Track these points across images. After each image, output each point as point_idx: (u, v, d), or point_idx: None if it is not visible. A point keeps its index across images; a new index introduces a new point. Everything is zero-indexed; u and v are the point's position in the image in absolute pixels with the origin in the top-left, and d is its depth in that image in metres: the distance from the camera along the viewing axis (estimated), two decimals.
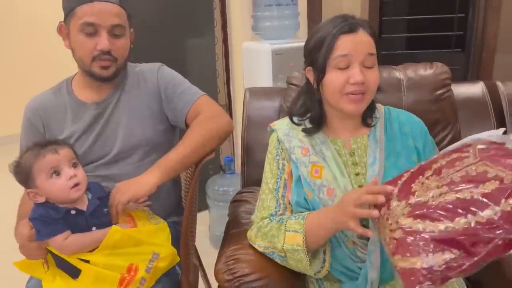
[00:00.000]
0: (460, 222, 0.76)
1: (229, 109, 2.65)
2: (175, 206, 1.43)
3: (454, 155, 0.88)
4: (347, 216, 0.91)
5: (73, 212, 1.03)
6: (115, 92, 1.29)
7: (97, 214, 1.06)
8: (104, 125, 1.27)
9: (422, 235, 0.78)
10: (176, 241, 1.21)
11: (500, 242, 0.74)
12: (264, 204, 1.11)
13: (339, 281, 1.07)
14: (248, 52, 2.22)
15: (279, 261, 1.05)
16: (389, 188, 0.88)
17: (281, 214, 1.08)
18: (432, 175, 0.86)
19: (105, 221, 1.07)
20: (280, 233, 1.03)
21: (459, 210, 0.77)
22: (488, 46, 2.44)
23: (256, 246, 1.09)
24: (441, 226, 0.77)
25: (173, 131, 1.38)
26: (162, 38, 2.32)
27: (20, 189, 1.29)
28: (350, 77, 0.99)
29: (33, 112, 1.29)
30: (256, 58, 2.13)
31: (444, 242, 0.76)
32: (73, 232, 1.02)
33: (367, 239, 1.00)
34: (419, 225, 0.79)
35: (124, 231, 1.03)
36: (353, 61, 0.99)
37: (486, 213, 0.74)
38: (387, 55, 2.42)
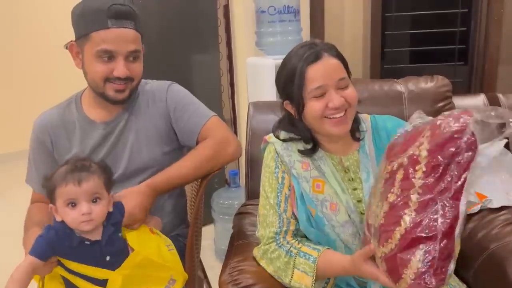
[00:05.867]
0: (406, 220, 0.78)
1: (234, 123, 2.68)
2: (180, 221, 1.43)
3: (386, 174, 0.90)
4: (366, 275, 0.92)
5: (87, 243, 1.00)
6: (124, 113, 1.27)
7: (112, 241, 1.02)
8: (113, 145, 1.26)
9: (393, 253, 0.79)
10: (179, 253, 1.21)
11: (446, 209, 0.75)
12: (267, 220, 1.09)
13: None
14: (252, 67, 2.25)
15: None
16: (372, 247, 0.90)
17: (285, 231, 1.07)
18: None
19: (120, 247, 1.04)
20: (288, 268, 1.03)
21: (397, 212, 0.79)
22: (491, 58, 2.46)
23: (262, 265, 1.09)
24: (397, 235, 0.78)
25: (181, 151, 1.34)
26: (168, 55, 2.37)
27: (26, 203, 1.31)
28: (329, 102, 1.01)
29: (41, 128, 1.28)
30: (260, 73, 2.16)
31: (409, 246, 0.77)
32: (83, 260, 0.99)
33: None
34: (385, 248, 0.81)
35: (144, 255, 1.02)
36: (328, 89, 1.01)
37: (415, 198, 0.77)
38: (390, 69, 2.45)
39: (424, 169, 0.76)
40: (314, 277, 0.99)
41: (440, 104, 1.44)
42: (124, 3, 1.15)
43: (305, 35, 2.27)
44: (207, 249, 2.40)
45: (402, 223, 0.78)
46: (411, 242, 0.77)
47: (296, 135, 1.11)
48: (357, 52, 2.53)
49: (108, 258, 1.00)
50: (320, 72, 1.01)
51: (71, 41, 1.21)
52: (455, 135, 0.74)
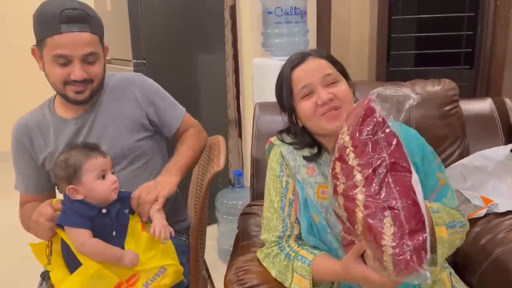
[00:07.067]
0: (359, 198, 0.80)
1: (238, 123, 2.69)
2: (172, 214, 1.40)
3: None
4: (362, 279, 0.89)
5: (104, 211, 1.05)
6: (92, 107, 1.30)
7: (120, 216, 1.08)
8: (85, 139, 1.28)
9: (365, 232, 0.81)
10: (181, 252, 1.22)
11: (394, 178, 0.79)
12: (271, 223, 1.09)
13: None
14: (258, 68, 2.26)
15: None
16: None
17: (289, 235, 1.07)
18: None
19: (124, 226, 1.09)
20: (287, 272, 1.03)
21: (351, 196, 0.82)
22: (497, 62, 2.45)
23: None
24: (359, 215, 0.80)
25: (160, 137, 1.40)
26: (174, 55, 2.37)
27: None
28: (317, 99, 1.01)
29: (18, 129, 1.31)
30: (266, 74, 2.16)
31: (374, 215, 0.79)
32: (94, 233, 1.03)
33: None
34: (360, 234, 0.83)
35: (100, 267, 1.04)
36: (314, 87, 1.02)
37: (359, 177, 0.81)
38: (395, 72, 2.45)
39: (353, 149, 0.82)
40: (311, 280, 0.98)
41: (447, 108, 1.43)
42: (76, 7, 1.16)
43: (312, 37, 2.27)
44: (210, 249, 2.40)
45: (358, 202, 0.80)
46: (375, 212, 0.78)
47: (299, 143, 1.11)
48: (363, 54, 2.53)
49: (114, 233, 1.07)
50: (304, 72, 1.02)
51: (33, 45, 1.23)
52: (368, 113, 0.82)
